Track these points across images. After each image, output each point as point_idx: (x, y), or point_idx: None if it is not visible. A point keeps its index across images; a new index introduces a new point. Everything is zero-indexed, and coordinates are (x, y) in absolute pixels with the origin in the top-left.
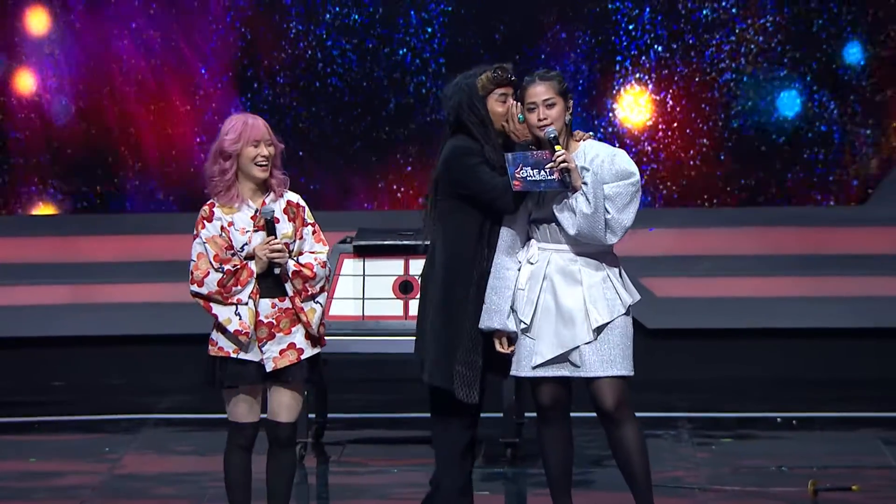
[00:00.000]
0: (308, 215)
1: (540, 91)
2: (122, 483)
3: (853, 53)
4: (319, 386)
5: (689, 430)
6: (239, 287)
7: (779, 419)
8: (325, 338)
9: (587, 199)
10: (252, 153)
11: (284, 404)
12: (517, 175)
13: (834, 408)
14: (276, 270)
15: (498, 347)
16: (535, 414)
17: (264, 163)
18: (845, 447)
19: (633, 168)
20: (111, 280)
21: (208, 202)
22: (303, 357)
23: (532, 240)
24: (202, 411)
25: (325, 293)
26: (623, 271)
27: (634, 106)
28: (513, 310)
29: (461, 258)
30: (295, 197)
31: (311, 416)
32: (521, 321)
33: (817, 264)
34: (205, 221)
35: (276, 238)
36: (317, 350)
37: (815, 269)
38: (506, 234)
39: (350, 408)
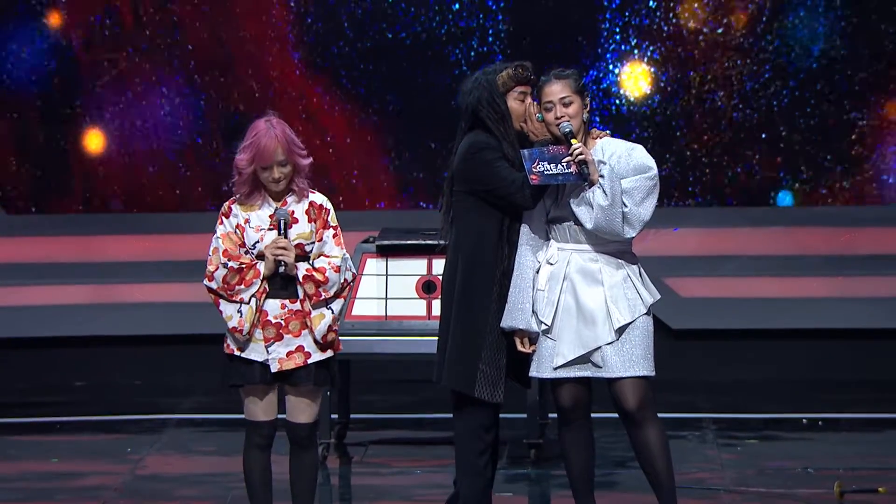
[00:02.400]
0: (332, 219)
1: (556, 89)
2: (145, 484)
3: None
4: (334, 389)
5: (714, 432)
6: (243, 286)
7: (805, 420)
8: (349, 338)
9: (604, 192)
10: (264, 175)
11: (299, 406)
12: (534, 169)
13: (860, 409)
14: (281, 269)
15: (519, 347)
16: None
17: (275, 183)
18: (872, 448)
19: (651, 162)
20: (133, 280)
21: (231, 198)
22: (310, 361)
23: (551, 240)
24: (225, 412)
25: (343, 299)
26: (643, 270)
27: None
28: (533, 310)
29: (482, 258)
30: (320, 199)
31: (334, 416)
32: (542, 322)
33: (844, 264)
34: (223, 217)
35: (285, 238)
36: (327, 355)
37: (842, 270)
38: (528, 232)
39: (373, 408)
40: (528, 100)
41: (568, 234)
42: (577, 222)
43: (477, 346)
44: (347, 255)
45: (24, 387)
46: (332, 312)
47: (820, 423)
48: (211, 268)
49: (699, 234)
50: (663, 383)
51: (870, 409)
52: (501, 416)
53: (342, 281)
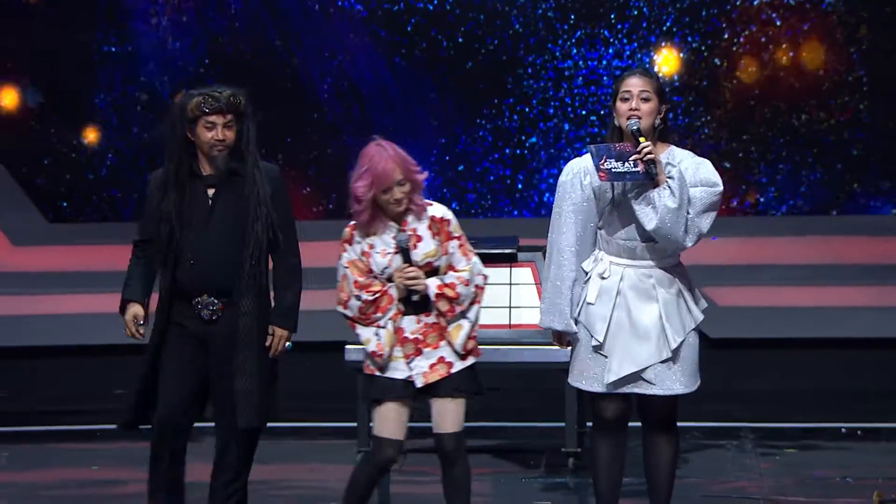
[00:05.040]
0: (454, 228)
1: (637, 82)
2: (186, 491)
3: None
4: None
5: (753, 441)
6: (380, 314)
7: (844, 429)
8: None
9: (672, 193)
10: (384, 198)
11: (446, 415)
12: (602, 167)
13: None
14: (415, 297)
15: (557, 345)
16: None
17: (396, 204)
18: None
19: (718, 179)
20: None
21: (351, 222)
22: (452, 371)
23: (601, 252)
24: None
25: (478, 304)
26: (693, 285)
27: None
28: (579, 322)
29: None
30: (440, 211)
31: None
32: (594, 338)
33: (882, 274)
34: (346, 244)
35: (410, 265)
36: (469, 362)
37: (880, 279)
38: (576, 237)
39: (411, 418)
40: (220, 128)
41: (622, 249)
42: (631, 238)
43: (272, 372)
44: (476, 260)
45: (65, 394)
46: (469, 321)
47: (859, 432)
48: (343, 295)
49: (737, 244)
50: (701, 392)
51: None
52: (539, 424)
53: (474, 289)
